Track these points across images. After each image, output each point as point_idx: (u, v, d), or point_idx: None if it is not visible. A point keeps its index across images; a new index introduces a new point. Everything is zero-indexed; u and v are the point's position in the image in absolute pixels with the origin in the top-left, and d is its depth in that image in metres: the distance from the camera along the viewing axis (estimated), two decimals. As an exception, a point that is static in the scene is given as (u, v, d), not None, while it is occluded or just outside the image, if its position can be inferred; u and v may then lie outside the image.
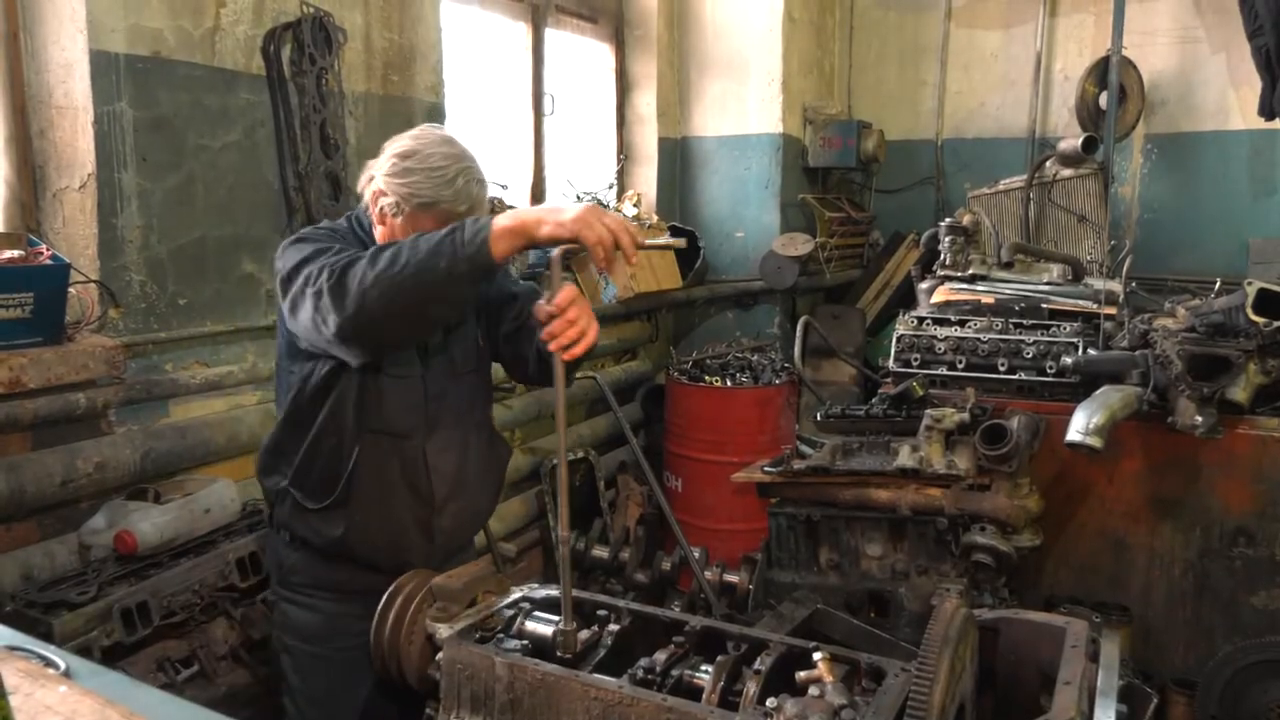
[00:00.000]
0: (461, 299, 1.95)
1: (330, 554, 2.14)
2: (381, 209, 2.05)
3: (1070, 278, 3.90)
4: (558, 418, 1.76)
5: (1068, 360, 3.20)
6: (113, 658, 2.15)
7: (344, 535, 2.10)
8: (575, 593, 1.73)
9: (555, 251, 1.73)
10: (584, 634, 1.71)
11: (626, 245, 1.75)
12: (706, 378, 4.74)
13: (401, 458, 2.12)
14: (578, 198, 5.08)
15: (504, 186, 4.24)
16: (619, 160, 5.60)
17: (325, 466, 2.09)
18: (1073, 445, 2.78)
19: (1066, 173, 5.11)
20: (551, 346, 1.76)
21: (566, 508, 1.73)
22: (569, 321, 1.75)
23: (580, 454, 4.60)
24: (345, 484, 2.08)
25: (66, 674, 1.09)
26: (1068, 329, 3.37)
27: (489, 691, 1.62)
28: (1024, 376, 3.31)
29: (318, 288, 1.84)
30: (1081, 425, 2.79)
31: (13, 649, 1.12)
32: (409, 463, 2.12)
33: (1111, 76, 5.28)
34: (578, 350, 1.77)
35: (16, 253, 2.34)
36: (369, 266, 1.80)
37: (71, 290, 2.44)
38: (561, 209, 1.78)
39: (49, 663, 1.12)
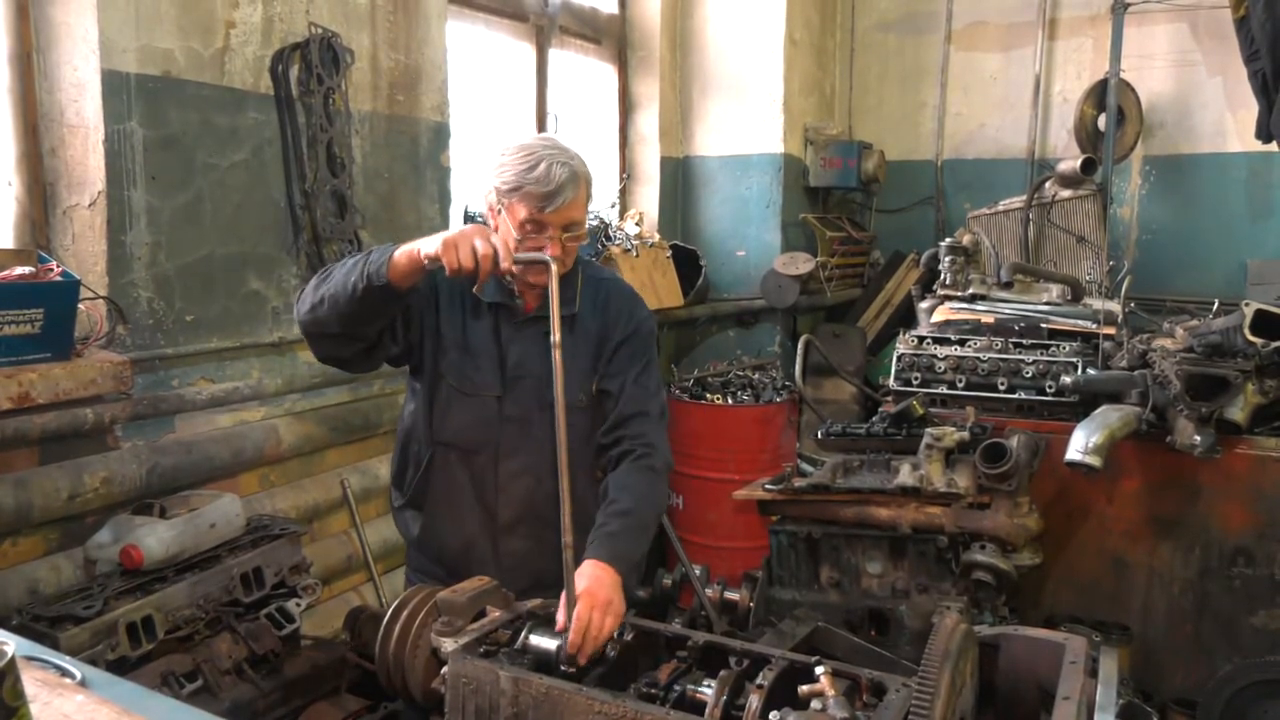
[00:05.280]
0: (375, 314, 2.04)
1: (418, 551, 2.34)
2: (489, 206, 2.16)
3: (1069, 298, 3.93)
4: (559, 435, 1.80)
5: (1067, 380, 3.22)
6: (118, 671, 2.13)
7: (420, 535, 2.30)
8: (578, 608, 1.74)
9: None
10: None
11: (484, 270, 1.87)
12: (708, 395, 4.75)
13: (471, 472, 2.22)
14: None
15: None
16: (621, 179, 5.63)
17: (409, 467, 2.29)
18: (1072, 464, 2.81)
19: (1065, 194, 5.15)
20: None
21: (569, 515, 1.75)
22: (579, 636, 1.71)
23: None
24: (420, 486, 2.26)
25: (82, 684, 1.10)
26: (1067, 349, 3.40)
27: (494, 705, 1.63)
28: (1023, 396, 3.33)
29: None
30: (1081, 444, 2.81)
31: (30, 659, 1.13)
32: (478, 478, 2.22)
33: (1110, 99, 5.33)
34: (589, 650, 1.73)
35: (27, 269, 2.37)
36: (317, 278, 2.06)
37: (80, 306, 2.46)
38: (443, 234, 1.90)
39: (65, 672, 1.13)
